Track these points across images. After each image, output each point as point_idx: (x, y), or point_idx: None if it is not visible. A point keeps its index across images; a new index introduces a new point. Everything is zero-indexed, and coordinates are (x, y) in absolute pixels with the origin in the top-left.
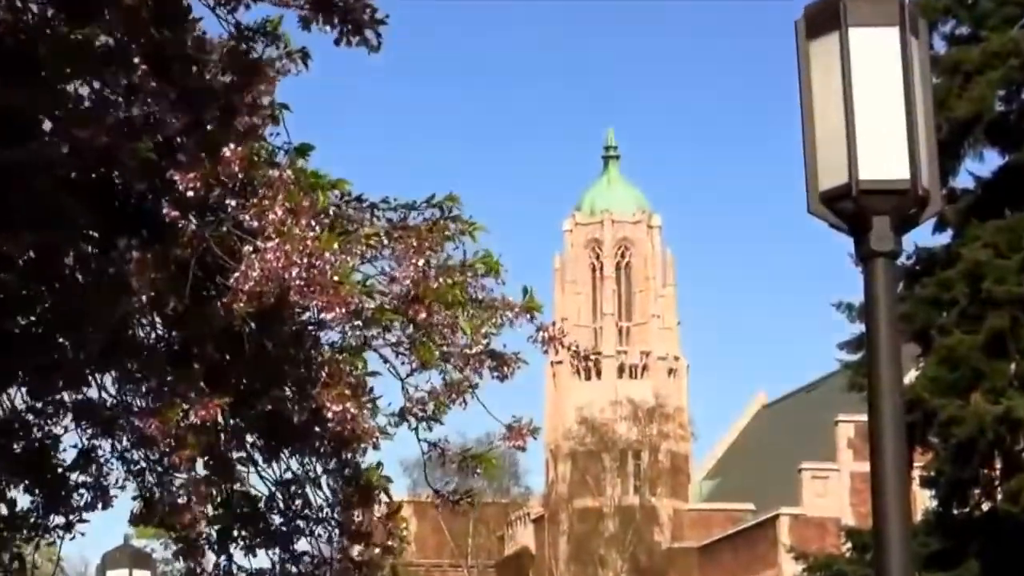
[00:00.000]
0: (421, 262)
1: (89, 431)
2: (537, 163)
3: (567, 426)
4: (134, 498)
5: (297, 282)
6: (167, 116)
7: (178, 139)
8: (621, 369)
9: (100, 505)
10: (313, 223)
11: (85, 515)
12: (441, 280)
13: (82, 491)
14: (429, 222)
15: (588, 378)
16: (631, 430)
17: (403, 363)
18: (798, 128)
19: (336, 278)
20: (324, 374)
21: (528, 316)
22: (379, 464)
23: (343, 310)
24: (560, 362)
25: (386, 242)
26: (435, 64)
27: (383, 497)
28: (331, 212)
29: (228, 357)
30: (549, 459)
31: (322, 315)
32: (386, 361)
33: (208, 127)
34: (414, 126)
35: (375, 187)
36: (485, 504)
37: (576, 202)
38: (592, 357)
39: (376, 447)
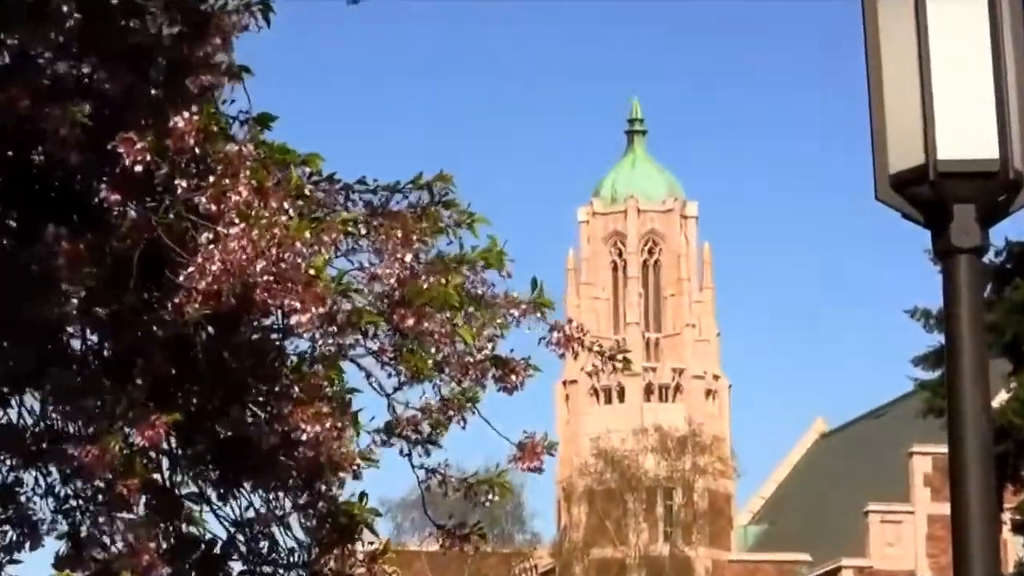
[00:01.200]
0: (408, 257)
1: (9, 462)
2: (546, 139)
3: (582, 459)
4: (59, 536)
5: (265, 277)
6: (103, 76)
7: (116, 105)
8: (648, 390)
9: (28, 544)
10: (285, 205)
11: (15, 555)
12: (432, 280)
13: (6, 528)
14: (417, 208)
15: (608, 401)
16: (660, 464)
17: (389, 375)
18: (864, 98)
19: (312, 271)
20: (297, 389)
21: (539, 314)
22: (363, 496)
23: (319, 310)
24: (574, 382)
25: (364, 231)
26: (418, 28)
27: (367, 536)
28: (306, 191)
29: (178, 370)
30: (560, 499)
31: (294, 317)
32: (368, 374)
33: (153, 91)
34: (397, 102)
35: (359, 170)
36: (484, 554)
37: (593, 186)
38: (621, 357)
39: (357, 476)
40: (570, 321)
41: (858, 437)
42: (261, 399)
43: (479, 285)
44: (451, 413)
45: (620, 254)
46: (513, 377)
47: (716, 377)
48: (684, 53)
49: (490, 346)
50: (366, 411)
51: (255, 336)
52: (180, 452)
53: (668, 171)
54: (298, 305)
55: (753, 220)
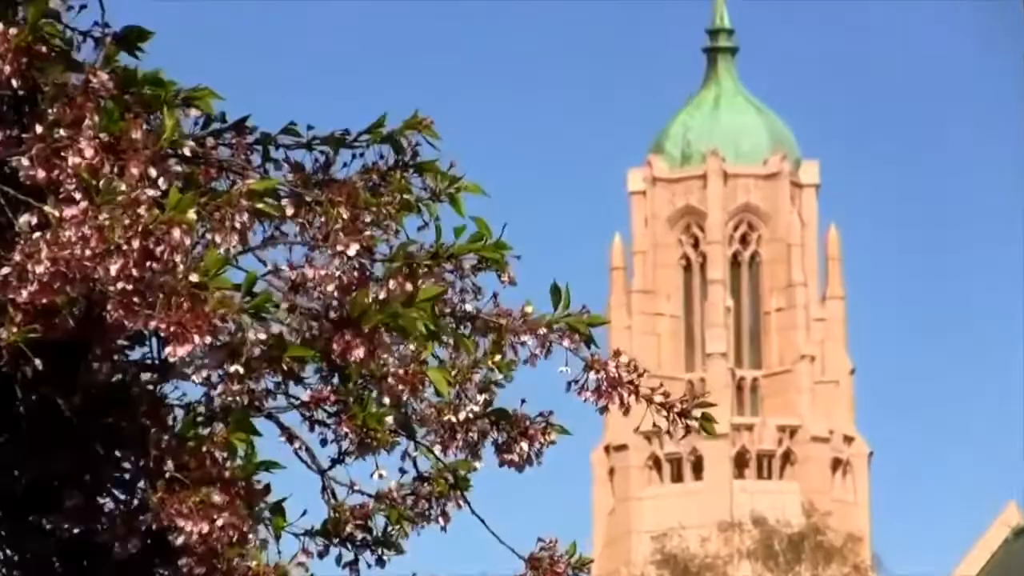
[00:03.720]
0: (352, 250)
1: None
2: (576, 60)
3: (637, 570)
4: None
5: (120, 286)
6: None
7: None
8: (741, 460)
9: None
10: (153, 172)
11: None
12: (392, 284)
13: None
14: (373, 175)
15: (677, 478)
16: None
17: (326, 441)
18: None
19: (194, 277)
20: (170, 465)
21: (569, 341)
22: None
23: (206, 340)
24: (622, 448)
25: (291, 210)
26: None
27: None
28: (186, 150)
29: None
30: None
31: (168, 349)
32: (291, 438)
33: None
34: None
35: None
36: None
37: (654, 136)
38: (698, 412)
39: None
40: (616, 354)
41: None
42: (121, 478)
43: (467, 296)
44: (426, 505)
45: (695, 244)
46: (524, 446)
47: (849, 440)
48: None
49: (482, 398)
50: (293, 497)
51: (113, 377)
52: None
53: (771, 111)
54: (173, 331)
55: (901, 190)
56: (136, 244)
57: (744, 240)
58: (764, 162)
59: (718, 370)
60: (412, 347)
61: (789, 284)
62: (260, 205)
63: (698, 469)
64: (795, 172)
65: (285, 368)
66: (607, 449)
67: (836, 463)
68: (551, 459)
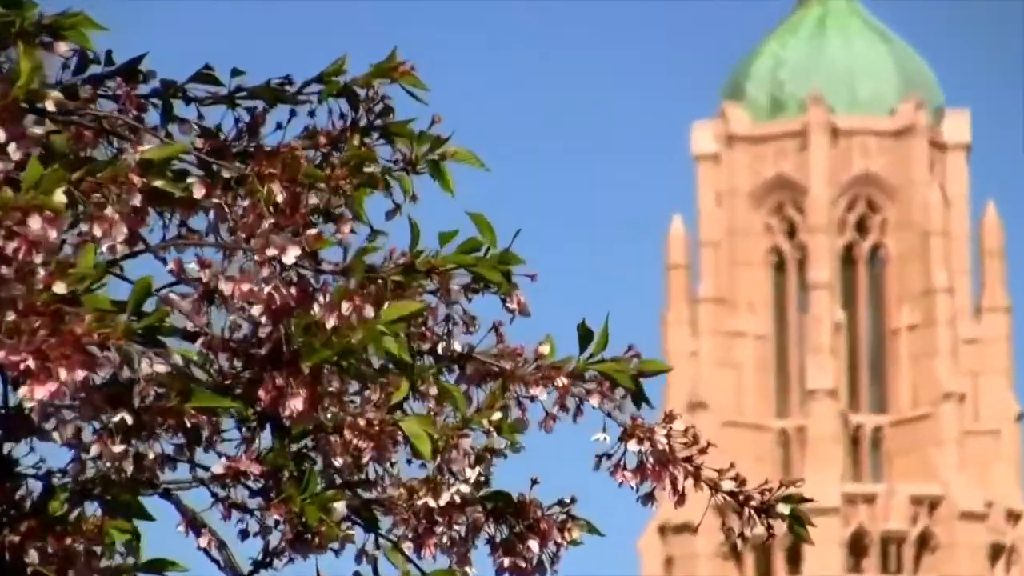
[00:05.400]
0: (289, 256)
1: None
2: None
3: None
4: None
5: None
6: None
7: None
8: (858, 545)
9: None
10: (1, 136)
11: None
12: (346, 308)
13: None
14: (320, 135)
15: (765, 571)
16: None
17: (247, 533)
18: None
19: (60, 288)
20: (36, 551)
21: (601, 398)
22: None
23: (76, 377)
24: (684, 529)
25: (201, 191)
26: None
27: None
28: (49, 104)
29: None
30: None
31: (23, 391)
32: (197, 528)
33: None
34: None
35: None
36: None
37: (728, 75)
38: (785, 509)
39: None
40: (668, 419)
41: None
42: None
43: (458, 328)
44: None
45: (791, 231)
46: (534, 546)
47: (1015, 516)
48: None
49: (475, 473)
50: None
51: None
52: None
53: (902, 39)
54: (30, 364)
55: None
56: None
57: (862, 226)
58: (891, 112)
59: (824, 415)
60: (372, 393)
61: (927, 290)
62: (159, 183)
63: (795, 558)
64: (936, 127)
65: (188, 425)
66: (662, 530)
67: (996, 550)
68: (582, 545)
